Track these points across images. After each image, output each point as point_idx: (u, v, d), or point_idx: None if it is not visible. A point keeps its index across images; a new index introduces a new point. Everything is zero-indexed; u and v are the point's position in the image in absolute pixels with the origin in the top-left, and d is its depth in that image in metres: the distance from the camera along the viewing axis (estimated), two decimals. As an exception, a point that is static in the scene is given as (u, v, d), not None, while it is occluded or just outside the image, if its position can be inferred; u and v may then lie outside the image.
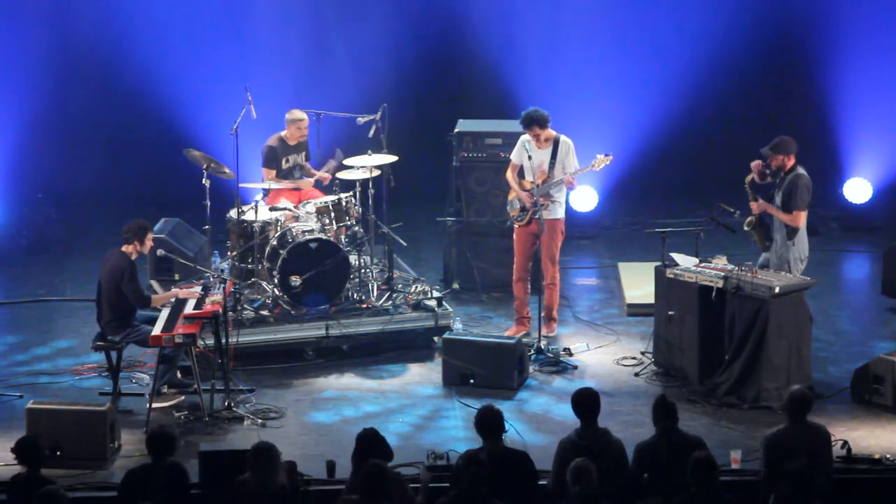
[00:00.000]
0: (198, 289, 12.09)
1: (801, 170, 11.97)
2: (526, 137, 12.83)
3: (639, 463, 9.05)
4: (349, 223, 13.17)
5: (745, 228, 12.18)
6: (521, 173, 12.87)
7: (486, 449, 9.01)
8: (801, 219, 11.92)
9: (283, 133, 13.70)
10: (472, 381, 11.99)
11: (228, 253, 13.38)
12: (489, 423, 9.09)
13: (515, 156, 12.92)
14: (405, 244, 13.79)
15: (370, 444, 8.88)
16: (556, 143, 12.75)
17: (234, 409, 11.41)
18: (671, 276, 12.01)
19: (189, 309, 11.58)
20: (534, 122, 12.67)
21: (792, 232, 11.96)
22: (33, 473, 8.96)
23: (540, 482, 9.42)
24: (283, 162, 13.66)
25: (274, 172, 13.59)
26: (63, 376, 12.28)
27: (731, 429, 10.98)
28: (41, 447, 9.15)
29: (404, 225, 13.81)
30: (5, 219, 16.50)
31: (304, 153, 13.81)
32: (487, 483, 8.42)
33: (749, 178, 12.11)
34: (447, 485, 8.78)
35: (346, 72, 16.88)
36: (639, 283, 13.97)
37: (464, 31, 17.22)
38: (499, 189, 14.09)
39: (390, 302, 13.15)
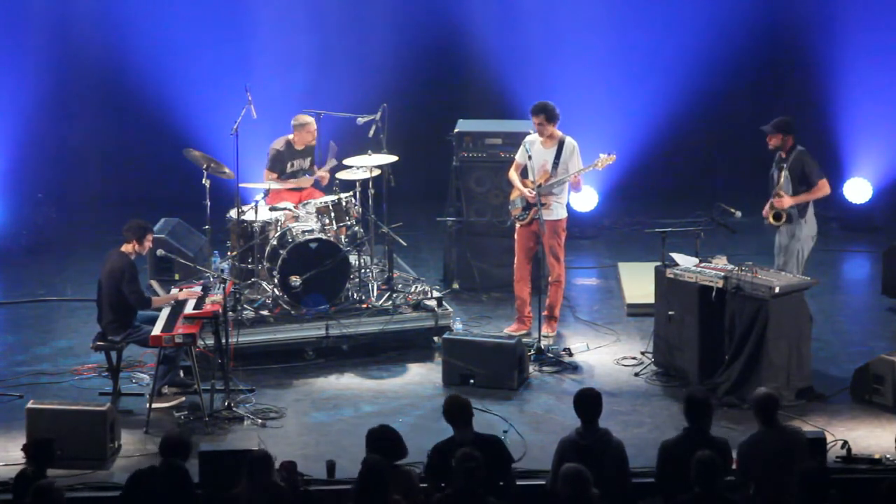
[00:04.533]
0: (198, 289, 12.09)
1: (800, 147, 12.18)
2: (529, 138, 12.84)
3: (662, 461, 9.03)
4: (349, 223, 13.17)
5: (776, 223, 12.17)
6: (524, 174, 12.86)
7: (456, 437, 9.05)
8: (827, 185, 12.19)
9: (290, 137, 13.70)
10: (472, 381, 12.00)
11: (228, 253, 13.38)
12: (458, 412, 9.15)
13: (519, 156, 12.93)
14: (405, 244, 13.79)
15: (379, 441, 8.88)
16: (560, 143, 12.76)
17: (234, 409, 11.41)
18: (671, 276, 12.01)
19: (189, 309, 11.58)
20: (543, 111, 12.66)
21: (804, 209, 12.08)
22: (40, 473, 8.94)
23: (541, 482, 9.45)
24: (289, 166, 13.67)
25: (276, 175, 13.60)
26: (63, 376, 12.28)
27: (731, 429, 10.97)
28: (53, 447, 9.14)
29: (404, 225, 13.81)
30: (5, 219, 16.49)
31: (310, 158, 13.79)
32: (484, 480, 8.42)
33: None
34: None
35: (346, 72, 16.87)
36: (639, 283, 13.97)
37: (464, 31, 17.22)
38: (499, 189, 14.10)
39: (390, 302, 13.15)
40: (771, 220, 12.21)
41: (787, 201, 12.09)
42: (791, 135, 12.19)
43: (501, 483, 9.02)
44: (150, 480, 8.86)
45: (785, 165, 12.13)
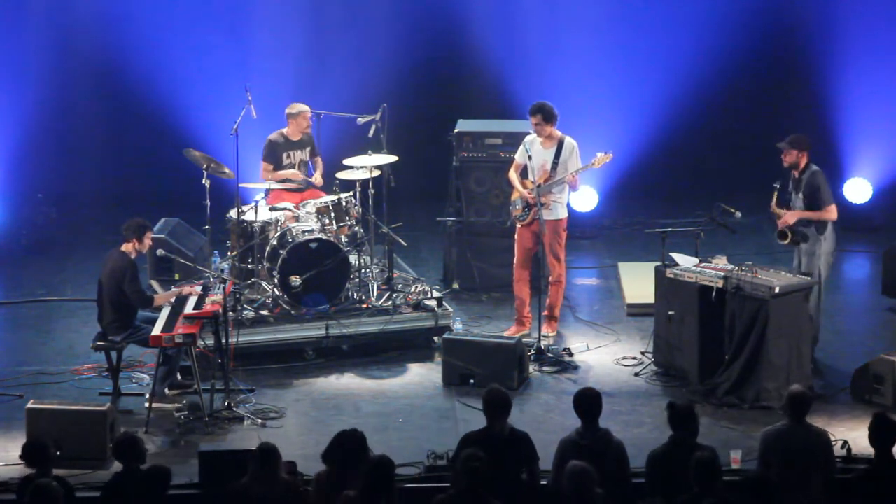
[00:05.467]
0: (198, 288, 12.08)
1: (814, 167, 12.09)
2: (529, 138, 12.85)
3: (650, 470, 9.02)
4: (349, 223, 13.17)
5: (782, 241, 12.13)
6: (525, 174, 12.86)
7: (495, 429, 9.07)
8: (835, 211, 12.07)
9: (284, 130, 13.69)
10: (472, 381, 12.00)
11: (228, 253, 13.38)
12: (499, 404, 9.16)
13: (519, 155, 12.94)
14: (405, 244, 13.78)
15: (352, 444, 8.85)
16: (560, 143, 12.77)
17: (234, 409, 11.40)
18: (671, 276, 12.01)
19: (189, 309, 11.58)
20: (540, 111, 12.68)
21: (822, 227, 12.04)
22: (44, 474, 8.92)
23: (541, 482, 9.44)
24: (285, 157, 13.64)
25: (272, 167, 13.60)
26: (63, 376, 12.28)
27: (731, 429, 10.98)
28: (48, 448, 9.11)
29: (404, 225, 13.81)
30: (5, 219, 16.49)
31: (308, 148, 13.78)
32: (487, 481, 8.41)
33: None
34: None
35: (346, 72, 16.87)
36: (639, 283, 13.96)
37: (464, 31, 17.21)
38: (499, 189, 14.10)
39: (390, 302, 13.14)
40: (778, 238, 12.18)
41: (789, 218, 12.04)
42: (806, 151, 12.08)
43: (526, 479, 9.08)
44: (128, 484, 8.82)
45: (792, 184, 12.06)
